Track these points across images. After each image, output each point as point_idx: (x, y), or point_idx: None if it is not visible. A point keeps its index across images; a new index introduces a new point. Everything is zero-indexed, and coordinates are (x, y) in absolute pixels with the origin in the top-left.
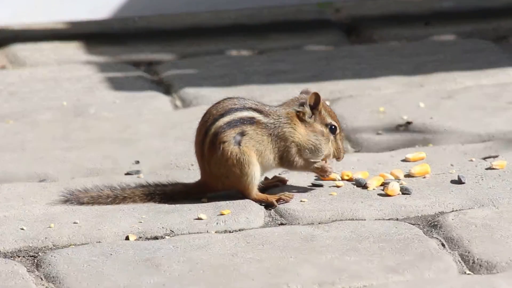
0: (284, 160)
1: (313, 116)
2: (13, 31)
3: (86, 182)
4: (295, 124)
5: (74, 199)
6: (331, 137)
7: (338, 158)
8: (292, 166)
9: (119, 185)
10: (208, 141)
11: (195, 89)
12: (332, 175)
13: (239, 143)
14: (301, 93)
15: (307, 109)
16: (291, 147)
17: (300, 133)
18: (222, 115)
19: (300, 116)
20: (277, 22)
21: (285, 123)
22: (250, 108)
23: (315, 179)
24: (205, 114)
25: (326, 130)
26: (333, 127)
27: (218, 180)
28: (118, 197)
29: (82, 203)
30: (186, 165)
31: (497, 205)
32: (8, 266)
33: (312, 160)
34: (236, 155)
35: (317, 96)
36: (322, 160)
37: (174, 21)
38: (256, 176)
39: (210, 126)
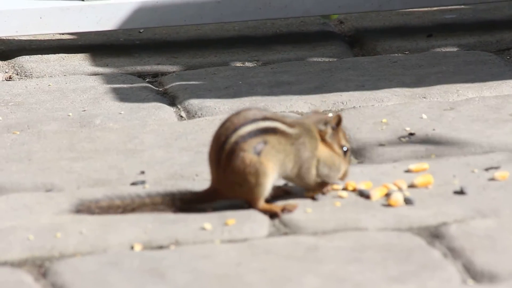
0: (300, 171)
1: (332, 137)
2: (19, 42)
3: (92, 192)
4: (318, 140)
5: (85, 209)
6: (343, 159)
7: (343, 178)
8: (305, 179)
9: (129, 195)
10: (227, 148)
11: (199, 100)
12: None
13: (259, 153)
14: (313, 112)
15: (329, 130)
16: (313, 159)
17: (322, 150)
18: (244, 124)
19: (321, 135)
20: (280, 34)
21: (311, 136)
22: (272, 119)
23: None
24: (225, 122)
25: (340, 151)
26: (345, 149)
27: (231, 188)
28: (128, 207)
29: (93, 213)
30: (191, 175)
31: (500, 216)
32: (16, 275)
33: (325, 179)
34: (255, 164)
35: (339, 119)
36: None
37: (178, 33)
38: (268, 188)
39: (232, 134)
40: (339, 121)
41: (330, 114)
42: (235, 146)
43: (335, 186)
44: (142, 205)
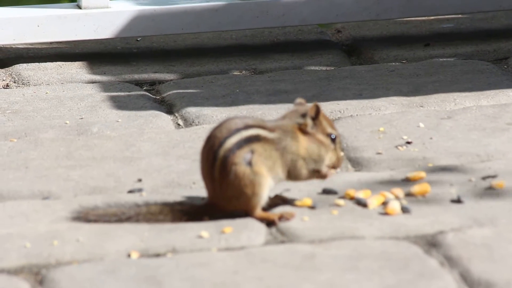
0: (292, 173)
1: (314, 127)
2: (17, 50)
3: (89, 200)
4: (298, 137)
5: (83, 217)
6: (332, 146)
7: (336, 167)
8: (298, 178)
9: (127, 203)
10: (218, 164)
11: (197, 109)
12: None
13: (249, 163)
14: (295, 104)
15: (309, 121)
16: (298, 160)
17: (304, 146)
18: (228, 137)
19: (302, 128)
20: (278, 42)
21: (290, 136)
22: (253, 126)
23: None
24: (209, 138)
25: (327, 140)
26: (333, 136)
27: (228, 201)
28: (124, 215)
29: (89, 221)
30: (188, 183)
31: (497, 225)
32: (12, 282)
33: (316, 169)
34: (249, 176)
35: (317, 108)
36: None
37: (176, 41)
38: (264, 196)
39: (218, 149)
40: (317, 110)
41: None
42: (225, 161)
43: (331, 171)
44: (138, 215)
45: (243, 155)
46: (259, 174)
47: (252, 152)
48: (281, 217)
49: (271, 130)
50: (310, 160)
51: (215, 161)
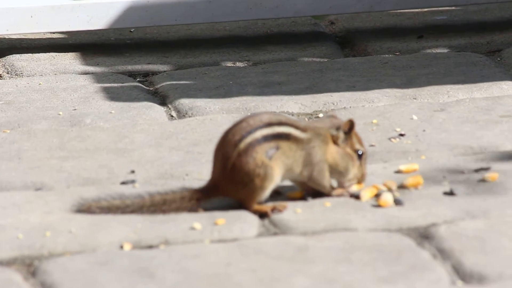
0: (314, 175)
1: (344, 141)
2: (10, 41)
3: (82, 191)
4: (329, 144)
5: (86, 209)
6: (357, 162)
7: (361, 182)
8: (318, 182)
9: (132, 195)
10: (242, 146)
11: (190, 100)
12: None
13: (270, 158)
14: (328, 117)
15: (341, 135)
16: (324, 163)
17: (332, 154)
18: (260, 127)
19: (333, 139)
20: (271, 34)
21: (321, 140)
22: (286, 124)
23: None
24: (240, 122)
25: (354, 155)
26: (360, 153)
27: (234, 186)
28: (128, 208)
29: (93, 213)
30: (181, 175)
31: (489, 217)
32: (4, 274)
33: (338, 180)
34: (266, 167)
35: (351, 124)
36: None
37: (169, 33)
38: (268, 193)
39: (247, 134)
40: (351, 126)
41: (321, 114)
42: (249, 146)
43: (353, 188)
44: (141, 205)
45: (267, 148)
46: (274, 169)
47: (277, 148)
48: (274, 209)
49: (303, 130)
50: (334, 169)
51: (239, 143)
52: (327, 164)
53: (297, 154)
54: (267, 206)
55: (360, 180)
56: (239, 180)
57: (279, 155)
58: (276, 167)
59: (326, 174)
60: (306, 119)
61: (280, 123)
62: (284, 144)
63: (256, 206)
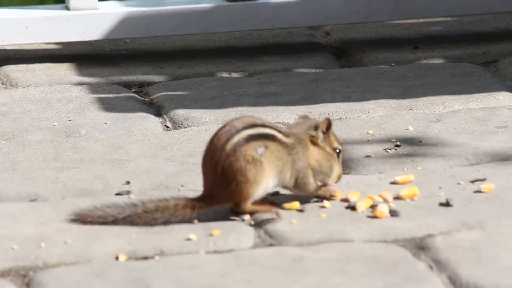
0: (299, 182)
1: (324, 141)
2: (5, 52)
3: (77, 202)
4: (310, 147)
5: (80, 219)
6: (337, 161)
7: (337, 181)
8: (305, 187)
9: (126, 204)
10: (228, 147)
11: (185, 111)
12: (338, 194)
13: (260, 155)
14: (300, 118)
15: (320, 134)
16: (307, 169)
17: (315, 156)
18: (245, 128)
19: (312, 140)
20: (267, 44)
21: (303, 145)
22: (270, 127)
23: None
24: (225, 126)
25: (334, 154)
26: (338, 151)
27: (227, 189)
28: (120, 215)
29: (86, 223)
30: (176, 185)
31: (485, 228)
32: None
33: (320, 184)
34: (256, 162)
35: (329, 122)
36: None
37: (165, 43)
38: (261, 190)
39: (233, 135)
40: (329, 124)
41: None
42: (236, 146)
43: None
44: (136, 214)
45: (256, 146)
46: (265, 166)
47: (266, 147)
48: (271, 210)
49: (286, 135)
50: (319, 171)
51: (226, 144)
52: (311, 169)
53: (285, 158)
54: (265, 207)
55: (337, 179)
56: (231, 179)
57: (269, 154)
58: (267, 165)
59: (311, 180)
60: None
61: (264, 125)
62: (271, 145)
63: (252, 206)
